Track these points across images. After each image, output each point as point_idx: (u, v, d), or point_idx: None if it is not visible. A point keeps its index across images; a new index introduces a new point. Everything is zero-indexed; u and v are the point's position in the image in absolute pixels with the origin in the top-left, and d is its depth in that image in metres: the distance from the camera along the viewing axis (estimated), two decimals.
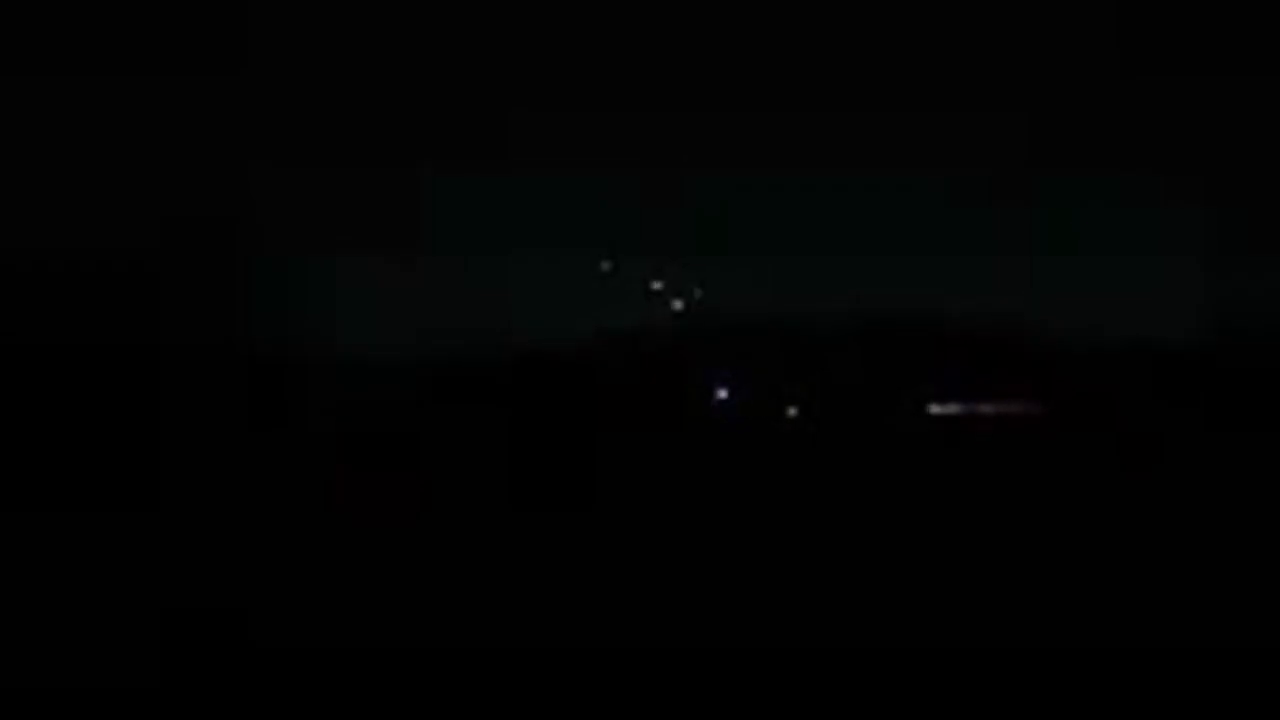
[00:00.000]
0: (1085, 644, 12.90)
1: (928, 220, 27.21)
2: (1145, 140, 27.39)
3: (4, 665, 12.75)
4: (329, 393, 25.88)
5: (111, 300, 26.48)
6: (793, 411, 24.71)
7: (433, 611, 14.96)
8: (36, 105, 27.20)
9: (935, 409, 24.75)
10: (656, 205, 26.33)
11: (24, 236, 26.75)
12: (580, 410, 24.70)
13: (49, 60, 27.31)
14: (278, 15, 27.86)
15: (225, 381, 25.76)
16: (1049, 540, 18.25)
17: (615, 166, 26.57)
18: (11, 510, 21.78)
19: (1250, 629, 13.53)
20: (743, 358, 25.20)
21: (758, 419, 24.69)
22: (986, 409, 24.66)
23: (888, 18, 28.04)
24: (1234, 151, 26.99)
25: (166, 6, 27.64)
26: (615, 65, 27.63)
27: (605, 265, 26.01)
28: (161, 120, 27.51)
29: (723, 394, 24.91)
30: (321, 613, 14.88)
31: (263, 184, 27.21)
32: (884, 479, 22.38)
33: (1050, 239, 26.91)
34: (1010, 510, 20.43)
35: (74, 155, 27.37)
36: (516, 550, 18.43)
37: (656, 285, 25.92)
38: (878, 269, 26.36)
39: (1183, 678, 11.95)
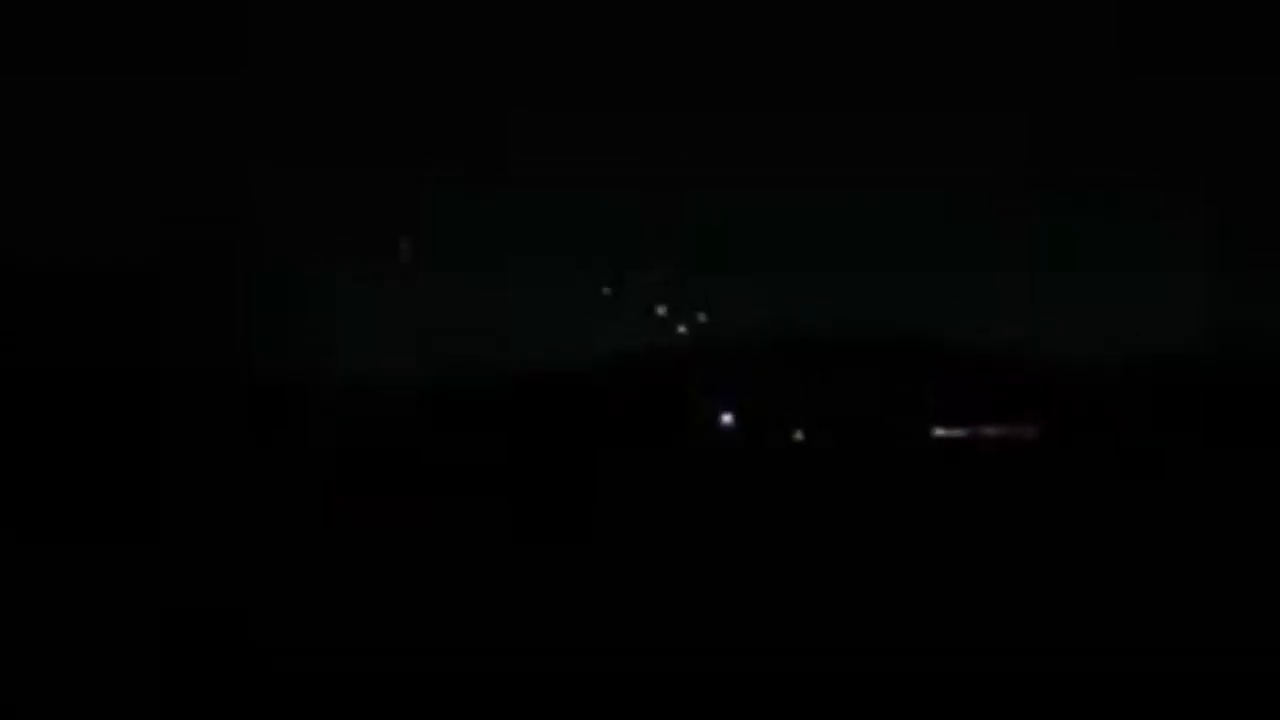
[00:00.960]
0: (1096, 662, 12.92)
1: (930, 238, 27.30)
2: (1146, 147, 27.46)
3: (7, 681, 12.75)
4: (329, 411, 25.82)
5: (113, 318, 26.39)
6: (799, 435, 24.70)
7: (434, 628, 14.97)
8: (36, 107, 27.09)
9: (940, 432, 24.75)
10: (658, 226, 26.36)
11: (24, 246, 26.62)
12: (583, 434, 24.64)
13: (49, 60, 27.20)
14: (277, 26, 27.84)
15: (226, 400, 25.70)
16: (1059, 563, 18.21)
17: (618, 185, 26.61)
18: (12, 528, 21.69)
19: (1260, 640, 13.60)
20: (747, 382, 25.17)
21: (763, 443, 24.66)
22: (991, 431, 24.66)
23: (891, 25, 28.14)
24: (1234, 164, 27.06)
25: (166, 7, 27.57)
26: (619, 81, 27.66)
27: (607, 290, 26.01)
28: (162, 130, 27.43)
29: (727, 419, 24.88)
30: (323, 629, 14.86)
31: (265, 196, 27.16)
32: (889, 502, 22.32)
33: (1051, 256, 27.01)
34: (1018, 532, 20.38)
35: (71, 160, 27.28)
36: (515, 570, 18.38)
37: (661, 310, 25.91)
38: (880, 286, 26.42)
39: (1190, 694, 11.98)
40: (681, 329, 25.75)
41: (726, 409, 24.96)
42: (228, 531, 21.37)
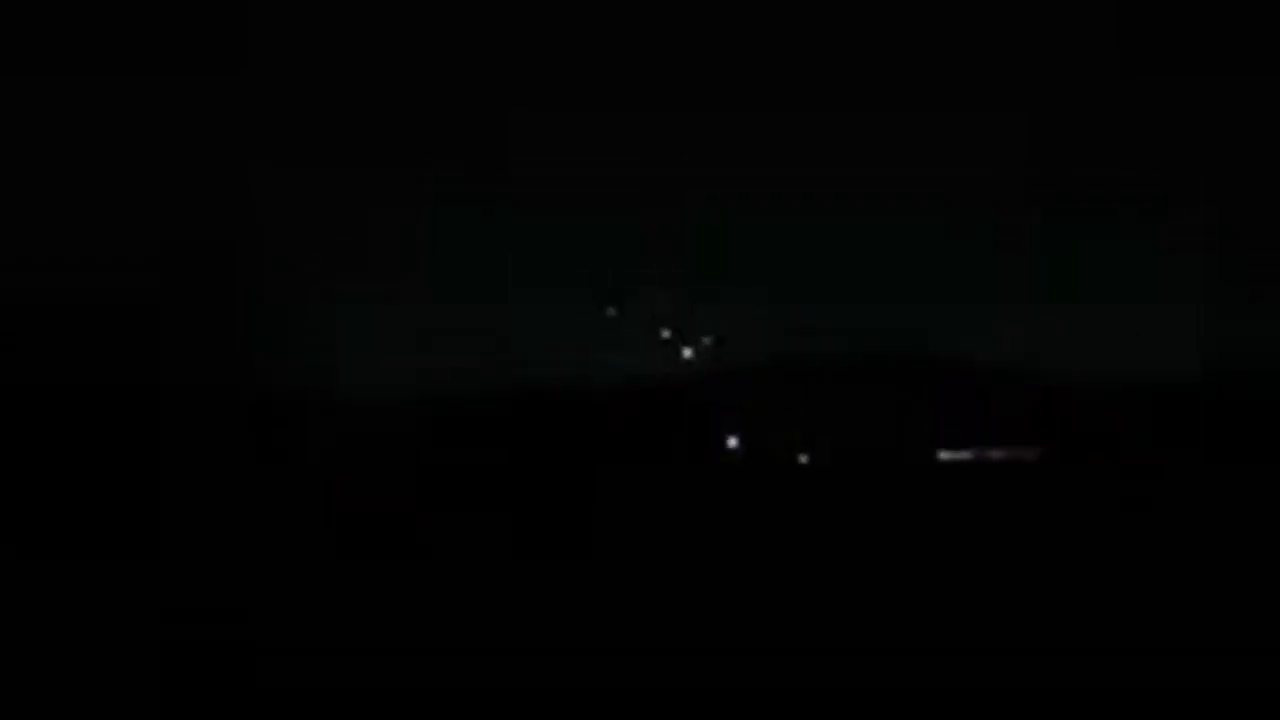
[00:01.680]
0: (1105, 684, 12.92)
1: (932, 266, 27.31)
2: (1146, 149, 27.48)
3: (7, 702, 12.74)
4: (331, 425, 25.78)
5: (112, 336, 26.34)
6: (804, 459, 24.69)
7: (437, 641, 14.97)
8: (32, 107, 27.02)
9: (945, 455, 24.74)
10: (661, 246, 26.34)
11: (20, 248, 26.53)
12: (587, 456, 24.60)
13: (47, 60, 27.14)
14: (277, 26, 27.80)
15: (226, 413, 25.65)
16: (1067, 585, 18.18)
17: (617, 186, 26.60)
18: (14, 543, 21.65)
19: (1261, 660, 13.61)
20: (753, 405, 25.16)
21: (769, 465, 24.64)
22: (996, 454, 24.65)
23: (891, 25, 28.18)
24: (1235, 168, 27.07)
25: (166, 9, 27.55)
26: (617, 84, 27.65)
27: (611, 312, 25.96)
28: (161, 130, 27.36)
29: (733, 441, 24.87)
30: (324, 646, 14.86)
31: (265, 199, 27.13)
32: (895, 524, 22.30)
33: (1052, 274, 27.05)
34: (1025, 553, 20.36)
35: (68, 160, 27.22)
36: (516, 586, 18.38)
37: (665, 334, 25.88)
38: (883, 306, 26.44)
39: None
40: (687, 352, 25.72)
41: (732, 432, 24.94)
42: (230, 546, 21.39)
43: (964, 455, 24.62)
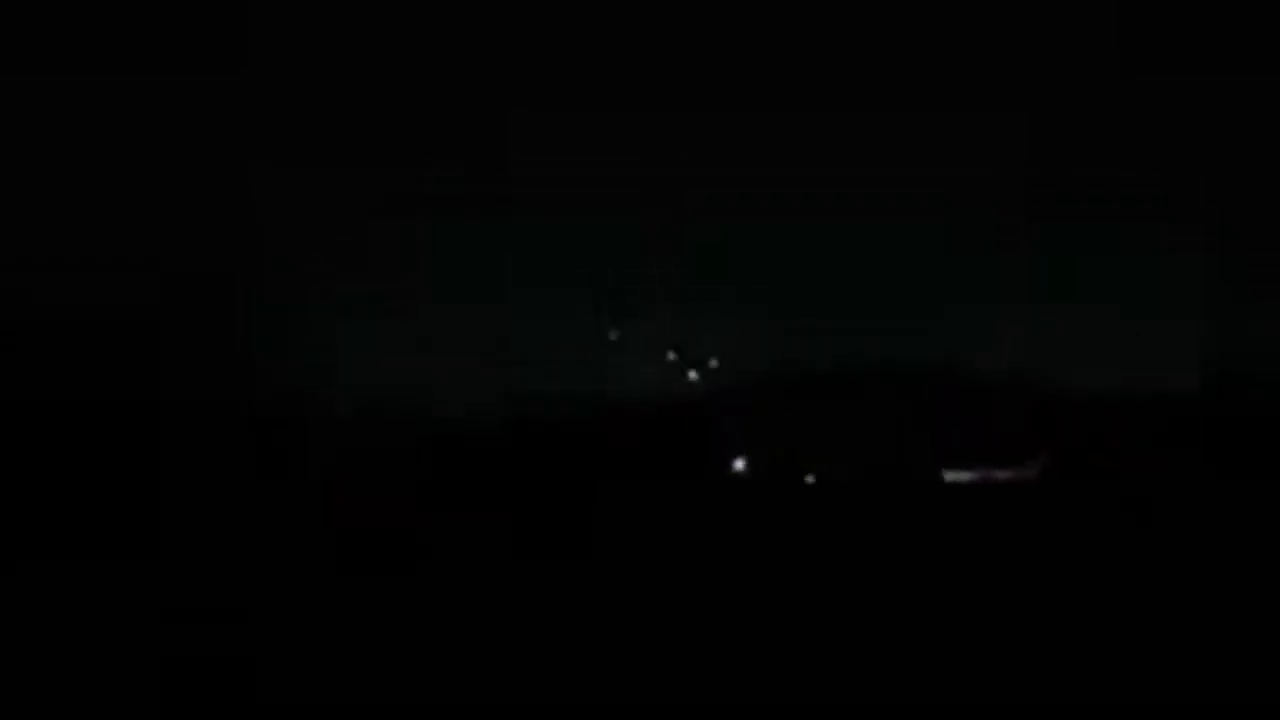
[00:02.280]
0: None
1: (931, 268, 27.26)
2: (1146, 149, 27.44)
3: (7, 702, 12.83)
4: (329, 447, 25.78)
5: (109, 338, 26.29)
6: (810, 479, 24.72)
7: (432, 670, 15.06)
8: (32, 109, 26.89)
9: (950, 475, 24.77)
10: (663, 248, 26.26)
11: (19, 253, 26.44)
12: (590, 480, 24.63)
13: (44, 60, 27.01)
14: (277, 25, 27.65)
15: (223, 434, 25.64)
16: (1078, 615, 18.23)
17: (623, 211, 26.53)
18: (10, 567, 21.66)
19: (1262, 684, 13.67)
20: (759, 426, 25.16)
21: (776, 487, 24.67)
22: (1002, 474, 24.68)
23: (891, 25, 28.09)
24: (1235, 169, 27.04)
25: (166, 9, 27.40)
26: (613, 88, 27.55)
27: (613, 335, 25.91)
28: (159, 132, 27.25)
29: (739, 465, 24.88)
30: (323, 667, 14.92)
31: (265, 200, 27.05)
32: (905, 551, 22.33)
33: (1051, 288, 27.01)
34: (1035, 576, 20.39)
35: (66, 162, 27.11)
36: (517, 612, 18.46)
37: (671, 356, 25.83)
38: (888, 319, 26.39)
39: None
40: (693, 374, 25.71)
41: (738, 454, 24.96)
42: (229, 551, 21.44)
43: (967, 475, 24.67)
